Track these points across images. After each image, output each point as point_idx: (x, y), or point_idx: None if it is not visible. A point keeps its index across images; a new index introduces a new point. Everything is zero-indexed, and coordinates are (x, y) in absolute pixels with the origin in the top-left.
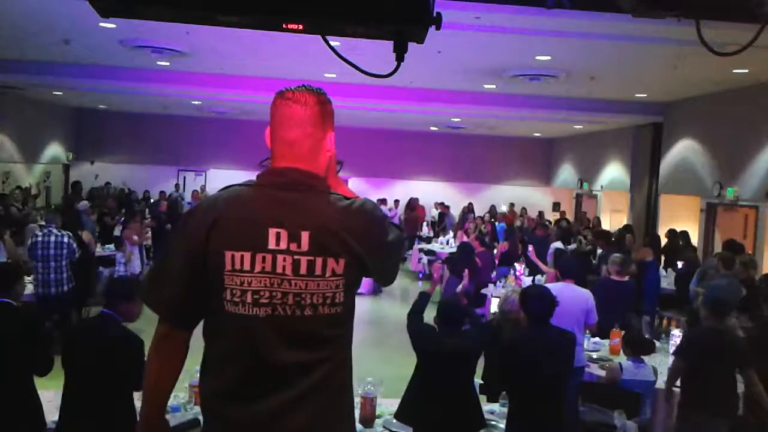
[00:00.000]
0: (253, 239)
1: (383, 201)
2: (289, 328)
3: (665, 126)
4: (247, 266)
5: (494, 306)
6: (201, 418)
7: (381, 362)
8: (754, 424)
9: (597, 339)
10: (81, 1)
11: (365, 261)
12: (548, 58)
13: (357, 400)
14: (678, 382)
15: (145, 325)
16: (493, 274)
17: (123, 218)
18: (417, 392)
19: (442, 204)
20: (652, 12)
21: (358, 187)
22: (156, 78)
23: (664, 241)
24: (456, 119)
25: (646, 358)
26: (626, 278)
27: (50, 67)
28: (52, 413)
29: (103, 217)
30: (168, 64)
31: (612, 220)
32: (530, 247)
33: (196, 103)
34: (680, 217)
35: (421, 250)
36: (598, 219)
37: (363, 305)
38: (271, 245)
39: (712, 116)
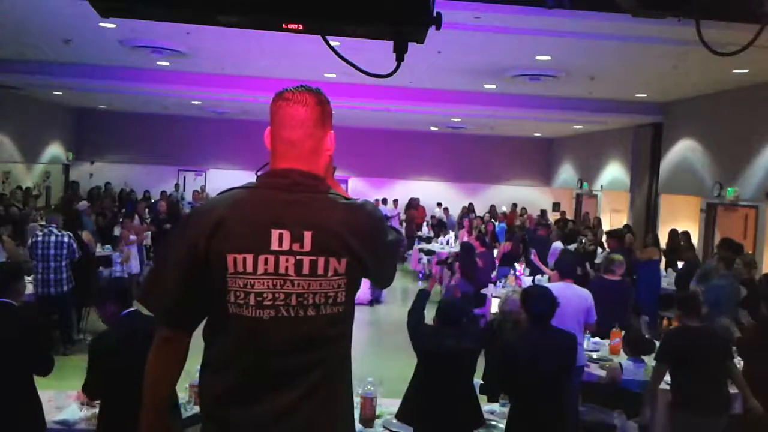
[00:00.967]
0: (255, 241)
1: (383, 201)
2: (293, 329)
3: (665, 126)
4: (249, 268)
5: (494, 306)
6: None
7: (381, 362)
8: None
9: (597, 339)
10: (81, 1)
11: (365, 261)
12: (548, 58)
13: (357, 400)
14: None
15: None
16: (493, 274)
17: (122, 218)
18: (417, 392)
19: (441, 206)
20: (652, 12)
21: (358, 187)
22: (156, 78)
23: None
24: (456, 119)
25: (646, 358)
26: (620, 277)
27: (50, 67)
28: (52, 413)
29: (97, 218)
30: (168, 64)
31: (612, 220)
32: (533, 252)
33: (196, 103)
34: (680, 217)
35: (421, 250)
36: (598, 219)
37: (363, 306)
38: (274, 246)
39: (712, 116)
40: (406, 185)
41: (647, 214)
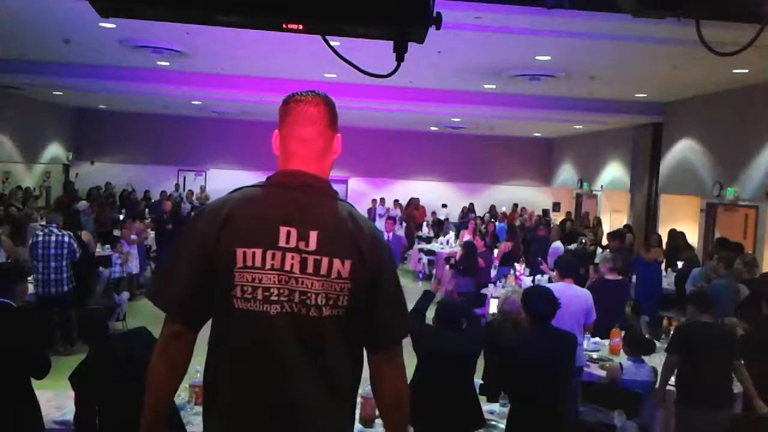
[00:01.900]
0: (264, 236)
1: (382, 201)
2: (297, 327)
3: (665, 126)
4: (258, 263)
5: (493, 306)
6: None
7: None
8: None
9: (597, 339)
10: (81, 1)
11: (370, 267)
12: (548, 58)
13: (357, 400)
14: (672, 381)
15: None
16: (493, 273)
17: (122, 218)
18: (417, 392)
19: (446, 207)
20: (652, 12)
21: (358, 187)
22: (156, 78)
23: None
24: (456, 119)
25: (646, 358)
26: (620, 277)
27: (50, 67)
28: (52, 413)
29: (94, 223)
30: (168, 64)
31: (612, 220)
32: (542, 262)
33: (196, 103)
34: (680, 217)
35: (421, 250)
36: (598, 219)
37: None
38: (282, 243)
39: (712, 116)
40: (406, 185)
41: (647, 214)
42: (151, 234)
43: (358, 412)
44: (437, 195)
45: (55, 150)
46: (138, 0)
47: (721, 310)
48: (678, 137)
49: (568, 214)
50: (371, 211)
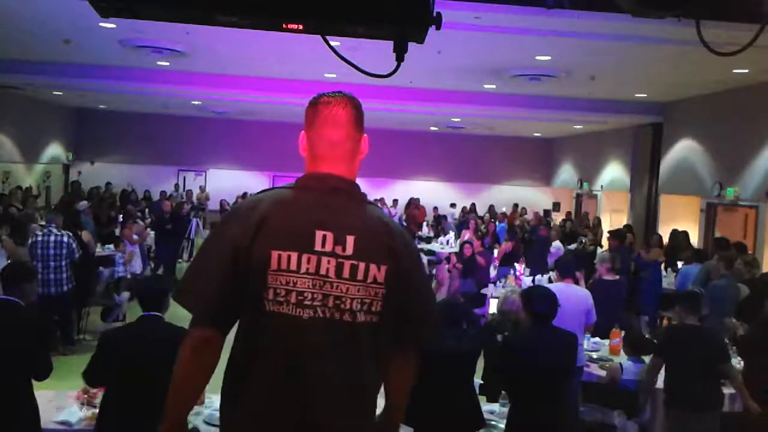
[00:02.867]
0: (300, 240)
1: (382, 200)
2: (329, 332)
3: (665, 126)
4: (293, 266)
5: (493, 306)
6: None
7: None
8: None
9: (597, 339)
10: (81, 1)
11: (404, 271)
12: (548, 58)
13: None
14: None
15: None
16: (493, 273)
17: (122, 218)
18: (417, 392)
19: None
20: (652, 12)
21: None
22: (156, 78)
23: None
24: (456, 119)
25: (646, 358)
26: (617, 277)
27: (50, 67)
28: (52, 413)
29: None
30: (168, 64)
31: (612, 220)
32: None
33: (196, 103)
34: (680, 217)
35: (421, 250)
36: (598, 219)
37: None
38: (317, 247)
39: (712, 116)
40: (406, 185)
41: (647, 214)
42: (151, 234)
43: None
44: (437, 195)
45: (55, 150)
46: (138, 0)
47: (722, 310)
48: (678, 137)
49: (568, 214)
50: None
